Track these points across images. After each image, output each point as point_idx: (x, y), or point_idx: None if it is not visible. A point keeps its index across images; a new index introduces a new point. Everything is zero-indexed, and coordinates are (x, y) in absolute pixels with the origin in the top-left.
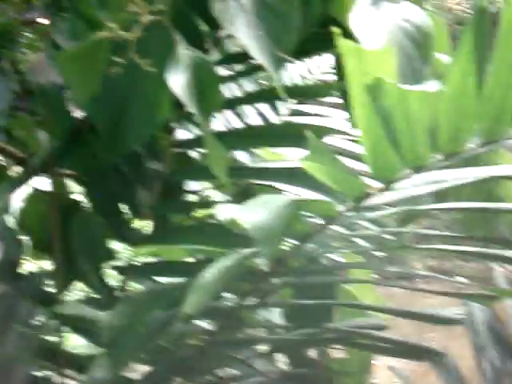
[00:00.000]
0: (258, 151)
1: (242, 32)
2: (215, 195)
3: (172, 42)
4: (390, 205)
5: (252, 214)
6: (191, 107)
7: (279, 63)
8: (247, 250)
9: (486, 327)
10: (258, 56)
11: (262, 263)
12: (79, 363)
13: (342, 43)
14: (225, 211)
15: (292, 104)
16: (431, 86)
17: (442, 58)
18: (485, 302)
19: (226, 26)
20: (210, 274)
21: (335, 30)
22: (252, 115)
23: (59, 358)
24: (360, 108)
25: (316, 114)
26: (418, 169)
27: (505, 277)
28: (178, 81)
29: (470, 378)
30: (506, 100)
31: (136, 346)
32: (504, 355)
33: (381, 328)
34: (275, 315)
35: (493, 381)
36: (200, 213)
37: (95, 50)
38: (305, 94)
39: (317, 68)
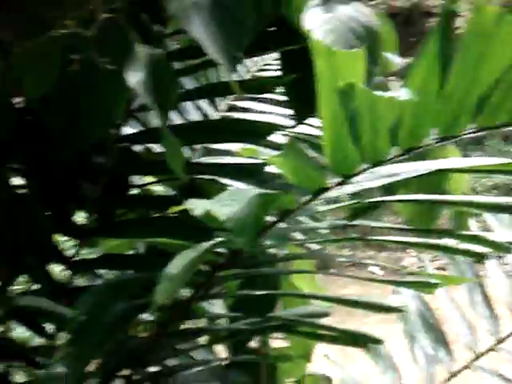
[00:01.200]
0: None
1: (199, 30)
2: (158, 189)
3: (128, 39)
4: (342, 199)
5: (225, 207)
6: (150, 103)
7: (234, 60)
8: (210, 242)
9: (417, 315)
10: (214, 53)
11: (220, 256)
12: (27, 355)
13: (314, 44)
14: (199, 206)
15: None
16: (401, 93)
17: (391, 57)
18: (423, 290)
19: (183, 24)
20: (177, 264)
21: (304, 30)
22: (191, 111)
23: (6, 350)
24: (327, 107)
25: (259, 111)
26: (377, 163)
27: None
28: (136, 77)
29: (403, 365)
30: (465, 99)
31: (99, 340)
32: (435, 343)
33: (323, 315)
34: (217, 307)
35: (425, 367)
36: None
37: (49, 48)
38: (254, 89)
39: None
